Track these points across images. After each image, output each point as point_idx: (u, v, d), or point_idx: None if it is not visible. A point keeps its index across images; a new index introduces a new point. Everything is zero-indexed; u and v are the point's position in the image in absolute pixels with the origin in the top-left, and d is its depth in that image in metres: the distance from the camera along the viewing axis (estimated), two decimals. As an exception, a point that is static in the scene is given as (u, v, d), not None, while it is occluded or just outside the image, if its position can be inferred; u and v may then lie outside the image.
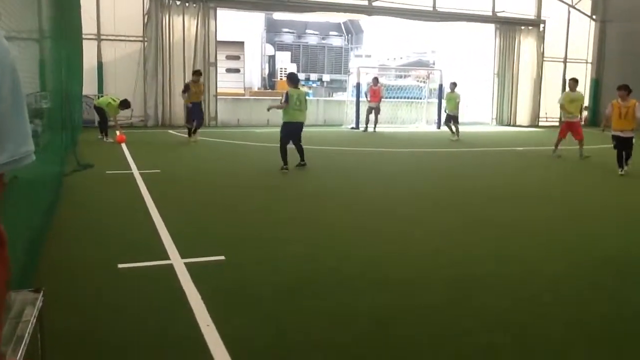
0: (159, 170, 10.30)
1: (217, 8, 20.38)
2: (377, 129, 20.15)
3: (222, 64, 23.51)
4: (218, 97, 20.86)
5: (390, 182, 10.12)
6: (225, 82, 23.07)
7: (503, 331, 3.81)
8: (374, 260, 5.36)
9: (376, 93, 20.13)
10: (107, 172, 10.01)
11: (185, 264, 4.97)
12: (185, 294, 4.28)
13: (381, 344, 3.58)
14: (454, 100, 17.90)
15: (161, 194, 8.15)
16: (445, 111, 18.60)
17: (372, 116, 20.11)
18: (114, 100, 15.21)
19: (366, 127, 20.24)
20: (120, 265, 4.90)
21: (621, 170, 11.01)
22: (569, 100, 13.75)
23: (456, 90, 18.15)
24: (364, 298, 4.35)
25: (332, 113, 23.08)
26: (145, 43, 19.50)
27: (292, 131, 10.80)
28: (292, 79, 11.24)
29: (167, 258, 5.15)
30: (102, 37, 19.08)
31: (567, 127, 13.78)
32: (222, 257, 5.19)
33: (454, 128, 17.78)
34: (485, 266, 5.24)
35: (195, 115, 15.00)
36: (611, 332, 3.87)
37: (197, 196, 8.33)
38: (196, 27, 19.96)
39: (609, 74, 25.14)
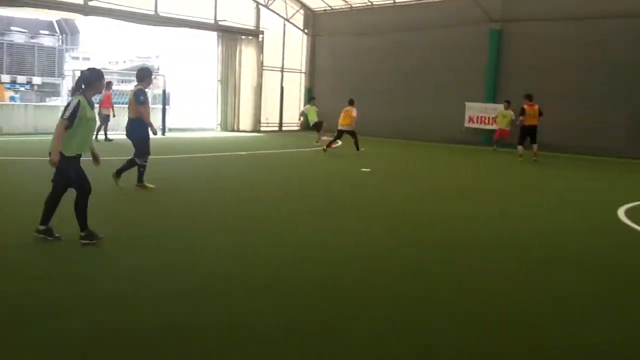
0: None
1: None
2: (109, 137, 18.16)
3: None
4: None
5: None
6: None
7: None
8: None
9: (109, 99, 18.38)
10: None
11: None
12: None
13: None
14: (314, 111, 20.90)
15: None
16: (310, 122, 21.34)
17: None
18: None
19: (105, 137, 18.13)
20: None
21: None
22: (502, 115, 19.46)
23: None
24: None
25: (44, 120, 20.91)
26: None
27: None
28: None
29: None
30: None
31: (501, 132, 19.46)
32: None
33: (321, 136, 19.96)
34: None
35: None
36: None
37: None
38: None
39: (320, 83, 27.68)
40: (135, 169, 9.41)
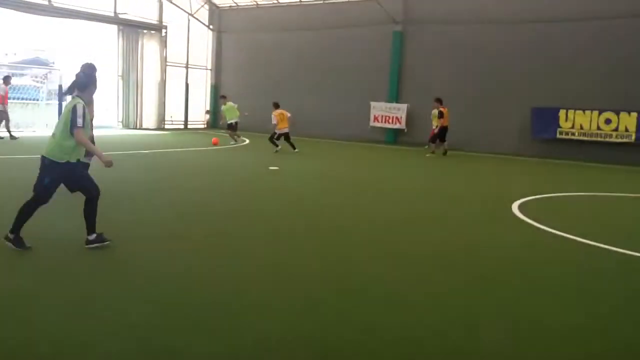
0: None
1: None
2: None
3: None
4: None
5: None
6: None
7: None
8: None
9: (6, 94, 17.26)
10: None
11: None
12: None
13: None
14: (233, 109, 19.55)
15: None
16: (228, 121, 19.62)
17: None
18: None
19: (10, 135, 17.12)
20: None
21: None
22: (434, 115, 18.42)
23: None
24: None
25: None
26: None
27: None
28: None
29: None
30: None
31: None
32: None
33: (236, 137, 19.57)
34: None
35: None
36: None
37: None
38: None
39: (227, 80, 27.34)
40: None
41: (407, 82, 22.03)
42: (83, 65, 7.40)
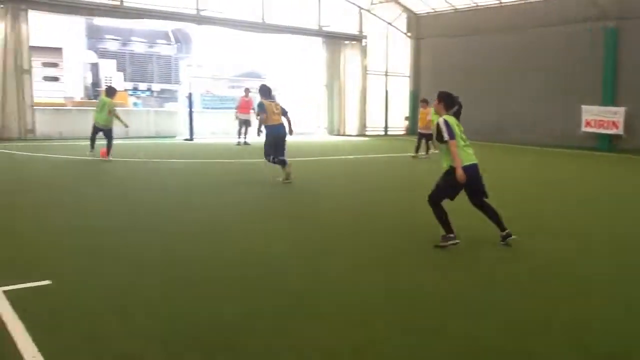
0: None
1: (29, 10, 18.71)
2: (247, 141, 19.28)
3: (39, 72, 21.57)
4: (36, 107, 19.12)
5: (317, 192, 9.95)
6: (43, 92, 21.15)
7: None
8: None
9: (248, 104, 19.48)
10: None
11: (4, 291, 4.39)
12: (6, 325, 3.76)
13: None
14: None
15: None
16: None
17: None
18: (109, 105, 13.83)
19: (239, 141, 19.46)
20: None
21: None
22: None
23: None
24: (207, 309, 4.18)
25: (163, 124, 22.31)
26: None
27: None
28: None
29: (-19, 287, 4.51)
30: None
31: None
32: (48, 282, 4.68)
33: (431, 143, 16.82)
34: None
35: None
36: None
37: (8, 217, 7.46)
38: (5, 31, 18.13)
39: (425, 86, 27.37)
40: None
41: (625, 83, 20.10)
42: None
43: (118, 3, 20.21)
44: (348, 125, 26.35)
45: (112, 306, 4.26)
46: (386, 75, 27.83)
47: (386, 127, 27.83)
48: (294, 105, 19.67)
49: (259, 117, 10.89)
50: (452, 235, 6.00)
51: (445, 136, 5.86)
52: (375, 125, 27.35)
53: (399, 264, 5.63)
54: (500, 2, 24.11)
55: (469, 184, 5.95)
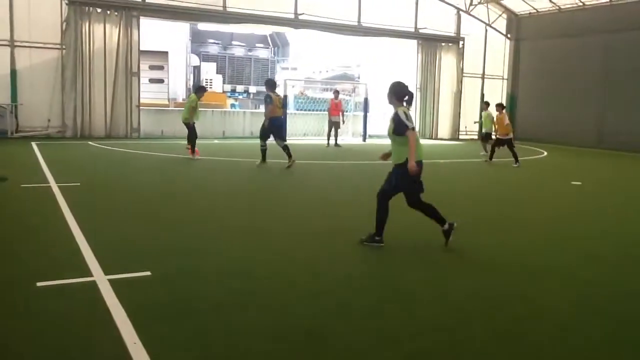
0: (78, 183, 9.87)
1: (140, 17, 19.91)
2: (339, 143, 19.85)
3: (145, 74, 22.93)
4: (141, 107, 20.34)
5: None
6: (148, 93, 22.51)
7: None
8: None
9: (337, 106, 19.98)
10: (22, 185, 9.49)
11: (110, 280, 4.77)
12: (110, 312, 4.10)
13: (315, 356, 3.57)
14: (488, 119, 17.79)
15: (82, 207, 7.81)
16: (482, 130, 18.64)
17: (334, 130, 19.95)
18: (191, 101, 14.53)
19: (328, 142, 19.90)
20: (39, 284, 4.64)
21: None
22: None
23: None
24: (297, 309, 4.33)
25: (259, 125, 22.91)
26: (64, 51, 18.74)
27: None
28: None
29: (90, 275, 4.92)
30: (16, 43, 18.18)
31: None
32: (148, 273, 5.03)
33: (488, 147, 17.12)
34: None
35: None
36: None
37: (119, 209, 8.03)
38: (118, 36, 19.40)
39: (524, 89, 26.47)
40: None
41: None
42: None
43: (221, 8, 21.07)
44: (441, 129, 25.94)
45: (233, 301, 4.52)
46: (482, 77, 27.14)
47: (480, 130, 27.01)
48: (385, 108, 19.54)
49: (266, 111, 12.61)
50: (379, 238, 6.13)
51: (410, 124, 5.96)
52: (469, 129, 26.68)
53: None
54: (611, 2, 22.84)
55: (418, 179, 6.05)
